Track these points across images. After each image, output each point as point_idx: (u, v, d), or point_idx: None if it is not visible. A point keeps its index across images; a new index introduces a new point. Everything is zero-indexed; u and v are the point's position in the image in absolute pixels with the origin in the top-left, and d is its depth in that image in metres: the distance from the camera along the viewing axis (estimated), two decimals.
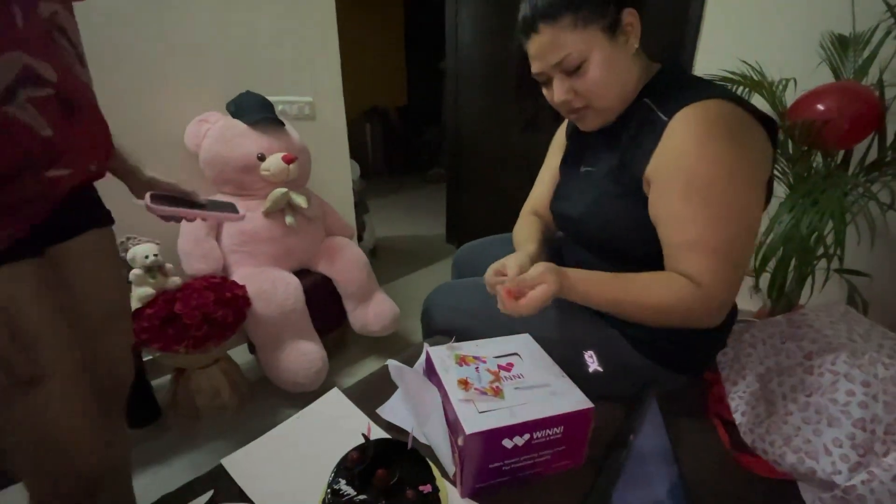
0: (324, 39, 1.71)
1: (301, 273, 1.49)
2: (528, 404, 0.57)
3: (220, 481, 0.58)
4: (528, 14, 0.65)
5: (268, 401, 1.42)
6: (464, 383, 0.61)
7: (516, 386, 0.61)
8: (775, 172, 1.21)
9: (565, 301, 0.78)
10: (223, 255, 1.38)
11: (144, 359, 1.33)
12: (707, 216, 0.58)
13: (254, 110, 1.41)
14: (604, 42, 0.64)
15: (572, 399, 0.58)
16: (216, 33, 1.44)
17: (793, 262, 1.16)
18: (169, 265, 1.25)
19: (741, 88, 1.27)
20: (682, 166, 0.59)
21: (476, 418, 0.55)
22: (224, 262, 1.38)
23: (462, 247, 1.12)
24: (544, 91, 0.72)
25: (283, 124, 1.47)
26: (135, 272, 1.16)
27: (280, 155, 1.38)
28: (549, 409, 0.56)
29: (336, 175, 1.88)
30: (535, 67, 0.68)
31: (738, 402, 0.67)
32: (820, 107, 1.08)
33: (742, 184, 0.59)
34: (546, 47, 0.64)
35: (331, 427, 0.66)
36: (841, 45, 1.23)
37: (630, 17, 0.64)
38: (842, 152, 1.15)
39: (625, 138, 0.69)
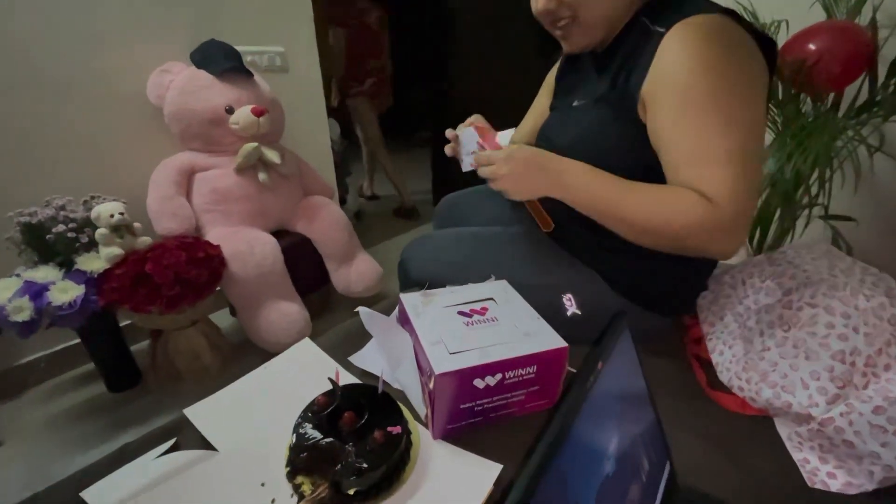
0: None
1: (279, 233, 1.45)
2: (501, 345, 0.55)
3: (184, 431, 0.56)
4: None
5: (251, 363, 1.40)
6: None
7: (490, 329, 0.59)
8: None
9: (543, 245, 0.76)
10: (195, 215, 1.32)
11: (121, 323, 1.30)
12: (711, 126, 0.53)
13: (220, 60, 1.33)
14: None
15: (546, 339, 0.56)
16: None
17: (777, 212, 1.14)
18: (138, 224, 1.19)
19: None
20: (680, 80, 0.54)
21: (447, 359, 0.53)
22: (197, 222, 1.33)
23: (442, 199, 1.08)
24: (532, 2, 0.67)
25: (251, 75, 1.38)
26: (100, 231, 1.10)
27: (249, 107, 1.31)
28: (521, 348, 0.54)
29: (312, 131, 1.80)
30: None
31: (716, 342, 0.66)
32: (811, 46, 1.04)
33: (744, 95, 0.54)
34: None
35: (300, 376, 0.64)
36: None
37: None
38: (831, 97, 1.12)
39: (619, 58, 0.64)
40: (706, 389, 0.65)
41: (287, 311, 1.33)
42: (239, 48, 1.40)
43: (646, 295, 0.69)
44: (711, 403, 0.63)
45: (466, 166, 0.75)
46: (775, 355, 0.57)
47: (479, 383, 0.53)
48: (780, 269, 0.63)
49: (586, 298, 0.69)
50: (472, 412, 0.55)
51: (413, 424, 0.56)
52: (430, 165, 2.85)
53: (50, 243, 1.06)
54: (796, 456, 0.54)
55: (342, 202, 2.22)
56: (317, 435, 0.50)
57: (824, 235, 1.13)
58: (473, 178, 0.75)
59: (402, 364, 0.61)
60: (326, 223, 1.49)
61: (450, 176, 2.78)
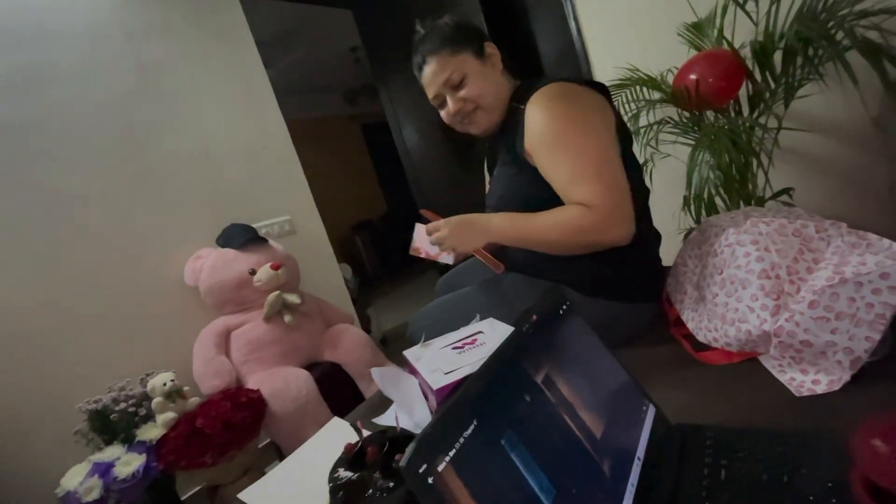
0: (289, 166, 2.00)
1: (311, 366, 1.57)
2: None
3: None
4: (419, 58, 0.88)
5: None
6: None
7: (479, 349, 0.68)
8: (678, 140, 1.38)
9: (514, 281, 0.88)
10: (236, 369, 1.47)
11: (182, 497, 1.35)
12: (568, 157, 0.73)
13: (239, 236, 1.62)
14: (475, 62, 0.86)
15: None
16: (200, 182, 1.72)
17: (741, 203, 1.26)
18: (187, 388, 1.34)
19: (638, 87, 1.48)
20: (542, 131, 0.75)
21: (442, 377, 0.61)
22: (238, 374, 1.47)
23: (441, 278, 1.24)
24: (441, 113, 0.91)
25: (266, 241, 1.66)
26: (156, 401, 1.24)
27: (268, 265, 1.55)
28: None
29: (326, 276, 2.05)
30: (431, 91, 0.89)
31: (687, 313, 0.73)
32: (692, 76, 1.27)
33: (586, 128, 0.74)
34: (435, 72, 0.86)
35: (334, 446, 0.71)
36: (696, 29, 1.46)
37: (490, 48, 0.88)
38: (731, 105, 1.32)
39: (507, 134, 0.86)
40: (693, 354, 0.69)
41: None
42: (254, 224, 1.71)
43: (609, 287, 0.79)
44: (702, 365, 0.67)
45: (410, 250, 0.96)
46: (723, 297, 0.64)
47: None
48: (708, 232, 0.73)
49: None
50: None
51: None
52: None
53: (113, 423, 1.19)
54: (782, 378, 0.58)
55: (367, 332, 2.37)
56: (348, 474, 0.57)
57: None
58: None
59: (415, 407, 0.69)
60: (350, 344, 1.62)
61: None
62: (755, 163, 1.22)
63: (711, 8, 1.39)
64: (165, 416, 1.24)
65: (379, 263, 5.21)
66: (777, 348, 0.58)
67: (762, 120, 1.21)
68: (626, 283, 0.81)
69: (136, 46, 1.65)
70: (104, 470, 1.12)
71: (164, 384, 1.27)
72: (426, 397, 0.68)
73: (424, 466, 0.30)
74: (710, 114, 1.36)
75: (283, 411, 1.35)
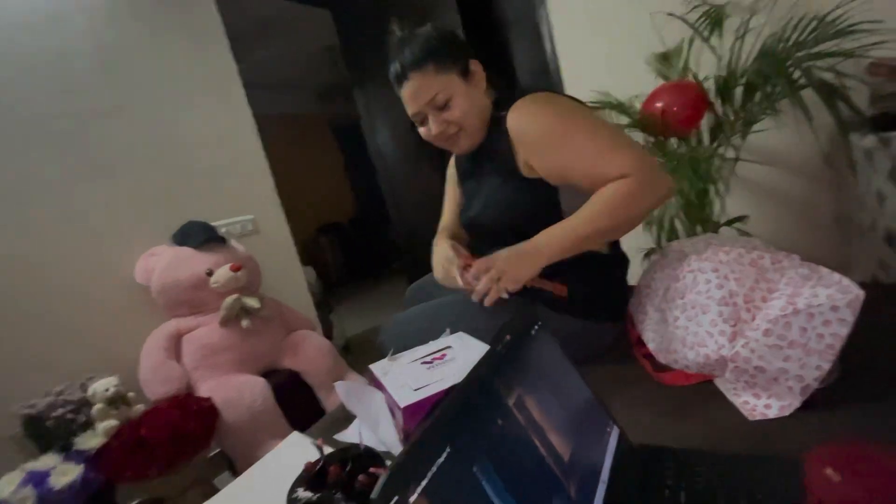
0: (257, 165, 1.93)
1: (268, 374, 1.51)
2: (458, 374, 0.63)
3: None
4: (399, 68, 0.82)
5: None
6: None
7: (448, 366, 0.67)
8: None
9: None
10: (186, 374, 1.39)
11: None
12: (582, 141, 0.74)
13: (197, 234, 1.54)
14: (461, 83, 0.83)
15: None
16: (158, 175, 1.63)
17: (698, 228, 1.32)
18: (132, 394, 1.25)
19: (608, 111, 1.54)
20: (541, 135, 0.76)
21: (410, 394, 0.60)
22: (189, 380, 1.39)
23: (409, 287, 1.22)
24: (421, 130, 0.89)
25: (225, 241, 1.59)
26: (97, 407, 1.16)
27: (227, 266, 1.48)
28: None
29: (288, 280, 1.99)
30: (412, 109, 0.85)
31: (648, 334, 0.75)
32: (658, 104, 1.32)
33: (579, 113, 0.77)
34: (418, 90, 0.82)
35: (293, 461, 0.68)
36: (663, 59, 1.53)
37: (475, 66, 0.86)
38: (694, 133, 1.39)
39: (488, 146, 0.87)
40: (653, 374, 0.72)
41: None
42: (214, 223, 1.64)
43: (580, 307, 0.80)
44: (661, 385, 0.70)
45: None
46: (683, 321, 0.66)
47: None
48: (670, 256, 0.76)
49: None
50: None
51: None
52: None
53: (50, 429, 1.10)
54: (736, 401, 0.60)
55: (328, 338, 2.31)
56: (307, 495, 0.54)
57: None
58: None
59: (380, 423, 0.67)
60: (311, 352, 1.57)
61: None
62: (713, 190, 1.29)
63: (679, 40, 1.47)
64: (107, 424, 1.15)
65: (344, 267, 5.12)
66: (732, 373, 0.60)
67: (721, 150, 1.28)
68: (594, 302, 0.82)
69: (97, 29, 1.55)
70: (39, 479, 1.03)
71: (107, 389, 1.19)
72: (392, 413, 0.66)
73: (396, 498, 0.29)
74: (672, 141, 1.42)
75: (236, 421, 1.29)
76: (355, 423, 0.76)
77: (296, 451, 0.71)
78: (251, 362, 1.49)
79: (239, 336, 1.47)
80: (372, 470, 0.55)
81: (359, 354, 2.67)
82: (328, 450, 0.63)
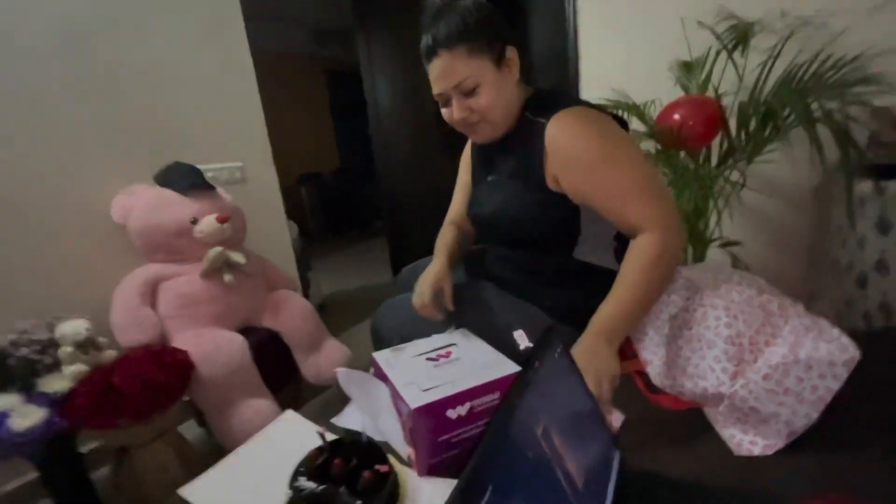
0: (250, 108, 1.81)
1: (247, 331, 1.48)
2: (466, 377, 0.64)
3: None
4: (430, 42, 0.78)
5: None
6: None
7: (455, 367, 0.68)
8: None
9: (494, 293, 0.88)
10: (161, 322, 1.35)
11: (83, 449, 1.24)
12: (618, 175, 0.73)
13: (183, 178, 1.45)
14: (493, 70, 0.78)
15: (504, 367, 0.66)
16: (143, 106, 1.50)
17: (689, 245, 1.35)
18: (103, 339, 1.20)
19: (620, 111, 1.52)
20: (579, 155, 0.74)
21: (421, 395, 0.60)
22: (162, 329, 1.35)
23: (403, 268, 1.21)
24: (443, 110, 0.85)
25: (213, 188, 1.51)
26: (64, 350, 1.11)
27: (213, 216, 1.41)
28: (484, 376, 0.63)
29: (273, 233, 1.92)
30: (437, 89, 0.81)
31: (648, 354, 0.78)
32: (676, 116, 1.32)
33: (623, 144, 0.75)
34: (446, 71, 0.77)
35: (288, 444, 0.68)
36: (686, 69, 1.52)
37: (511, 53, 0.80)
38: (703, 151, 1.40)
39: (516, 146, 0.83)
40: (647, 395, 0.75)
41: (259, 407, 1.32)
42: (201, 166, 1.54)
43: (576, 318, 0.81)
44: (653, 406, 0.73)
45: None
46: (687, 352, 0.69)
47: (451, 414, 0.61)
48: (679, 283, 0.78)
49: (535, 331, 0.80)
50: (450, 444, 0.62)
51: (399, 466, 0.61)
52: (389, 255, 3.00)
53: (12, 367, 1.05)
54: (723, 433, 0.64)
55: (305, 297, 2.28)
56: (311, 485, 0.55)
57: (725, 260, 1.34)
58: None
59: (381, 414, 0.67)
60: (292, 314, 1.55)
61: (407, 259, 2.93)
62: (712, 210, 1.32)
63: (704, 51, 1.45)
64: (75, 369, 1.11)
65: (324, 221, 5.00)
66: (727, 408, 0.64)
67: (727, 172, 1.30)
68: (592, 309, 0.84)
69: None
70: None
71: (78, 332, 1.13)
72: (397, 409, 0.67)
73: None
74: (680, 153, 1.43)
75: (211, 377, 1.27)
76: (351, 406, 0.76)
77: (289, 431, 0.71)
78: (229, 318, 1.45)
79: (220, 290, 1.42)
80: (377, 467, 0.56)
81: (335, 315, 2.66)
82: (330, 436, 0.63)
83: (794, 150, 1.16)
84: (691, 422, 0.68)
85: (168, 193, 1.42)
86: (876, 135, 1.22)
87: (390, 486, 0.55)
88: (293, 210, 2.55)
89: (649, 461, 0.59)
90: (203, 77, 1.66)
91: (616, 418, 0.69)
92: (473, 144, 1.04)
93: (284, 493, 0.55)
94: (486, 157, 0.96)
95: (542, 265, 0.86)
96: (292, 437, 0.69)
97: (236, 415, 1.29)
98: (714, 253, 1.39)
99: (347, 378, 0.72)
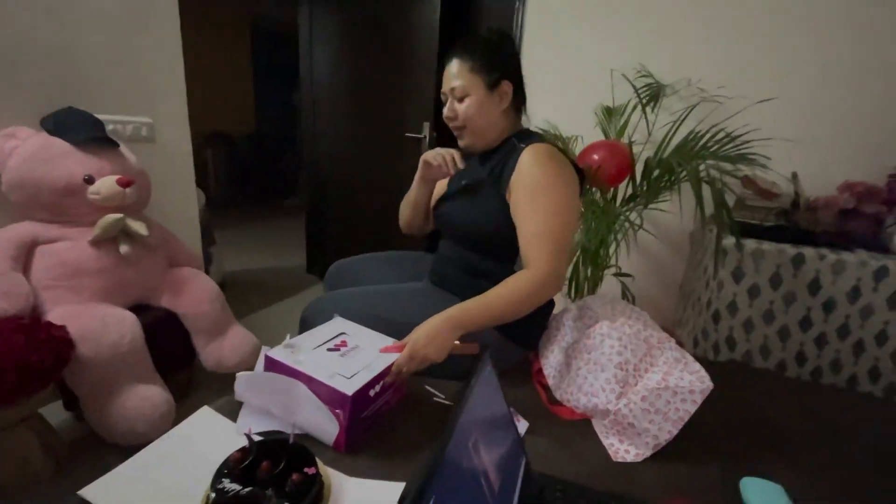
0: (168, 57, 1.62)
1: (138, 309, 1.34)
2: (376, 360, 0.74)
3: None
4: (456, 48, 0.94)
5: (91, 464, 1.21)
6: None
7: (359, 353, 0.76)
8: None
9: (438, 296, 0.95)
10: (34, 292, 1.17)
11: None
12: (542, 210, 0.84)
13: (79, 128, 1.27)
14: (484, 90, 0.92)
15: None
16: (37, 33, 1.27)
17: (589, 270, 1.54)
18: None
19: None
20: (530, 179, 0.86)
21: (348, 383, 0.67)
22: (35, 300, 1.17)
23: (334, 264, 1.20)
24: (444, 108, 0.98)
25: (116, 145, 1.34)
26: None
27: (113, 178, 1.26)
28: (390, 359, 0.75)
29: (180, 202, 1.75)
30: (443, 87, 0.97)
31: (549, 370, 0.89)
32: (595, 156, 1.49)
33: (566, 190, 0.87)
34: (450, 74, 0.94)
35: (205, 443, 0.66)
36: (608, 113, 1.70)
37: (506, 86, 0.93)
38: (612, 191, 1.59)
39: (495, 160, 0.95)
40: (547, 405, 0.86)
41: (147, 394, 1.21)
42: (101, 117, 1.36)
43: (514, 331, 0.91)
44: (552, 415, 0.84)
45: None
46: (585, 372, 0.81)
47: (371, 393, 0.70)
48: (584, 312, 0.90)
49: (471, 336, 0.87)
50: (368, 420, 0.71)
51: (323, 468, 0.63)
52: (305, 235, 2.88)
53: None
54: (605, 441, 0.77)
55: (206, 273, 2.11)
56: (236, 487, 0.55)
57: (615, 290, 1.56)
58: (354, 246, 0.92)
59: (300, 408, 0.68)
60: (196, 296, 1.44)
61: (324, 241, 2.84)
62: (611, 244, 1.51)
63: (625, 102, 1.65)
64: None
65: (229, 188, 4.60)
66: (610, 422, 0.76)
67: (629, 213, 1.51)
68: (517, 325, 0.93)
69: None
70: None
71: None
72: (326, 403, 0.68)
73: None
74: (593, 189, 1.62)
75: (94, 358, 1.13)
76: (245, 409, 0.74)
77: (206, 430, 0.69)
78: (120, 293, 1.31)
79: (111, 261, 1.27)
80: (305, 470, 0.58)
81: (235, 295, 2.49)
82: (257, 438, 0.63)
83: (682, 201, 1.38)
84: (581, 432, 0.80)
85: (58, 143, 1.23)
86: (742, 199, 1.50)
87: (317, 489, 0.57)
88: (196, 173, 2.30)
89: (546, 463, 0.69)
90: (117, 9, 1.44)
91: (521, 426, 0.79)
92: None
93: (205, 494, 0.54)
94: (466, 162, 1.04)
95: (484, 268, 0.97)
96: (208, 435, 0.67)
97: (119, 402, 1.17)
98: (608, 280, 1.59)
99: (251, 381, 0.71)
